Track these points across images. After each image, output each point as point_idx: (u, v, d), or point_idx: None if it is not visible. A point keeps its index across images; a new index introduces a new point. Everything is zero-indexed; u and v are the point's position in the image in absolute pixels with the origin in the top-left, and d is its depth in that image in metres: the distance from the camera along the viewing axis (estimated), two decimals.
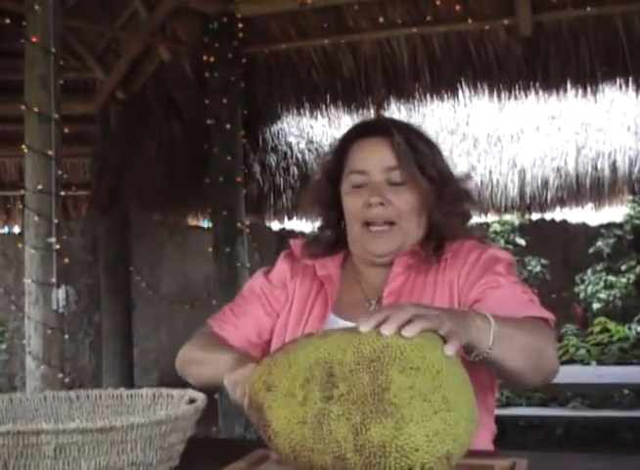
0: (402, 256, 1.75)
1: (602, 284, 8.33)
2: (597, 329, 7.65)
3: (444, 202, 1.76)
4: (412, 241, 1.76)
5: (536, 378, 1.53)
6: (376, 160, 1.75)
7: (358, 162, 1.77)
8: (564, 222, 9.48)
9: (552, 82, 6.47)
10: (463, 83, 6.67)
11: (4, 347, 8.70)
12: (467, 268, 1.71)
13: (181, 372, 1.89)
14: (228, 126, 6.49)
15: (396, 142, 1.73)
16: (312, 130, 8.41)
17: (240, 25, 6.66)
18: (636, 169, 7.54)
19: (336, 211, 1.84)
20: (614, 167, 7.66)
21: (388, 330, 1.15)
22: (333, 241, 1.87)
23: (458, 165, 7.59)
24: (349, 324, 1.57)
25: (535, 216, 8.92)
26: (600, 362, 7.21)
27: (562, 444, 6.23)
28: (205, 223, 9.23)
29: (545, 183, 7.86)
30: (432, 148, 1.80)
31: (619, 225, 8.65)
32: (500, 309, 1.50)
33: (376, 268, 1.80)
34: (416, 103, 6.91)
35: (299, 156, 8.16)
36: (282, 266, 1.92)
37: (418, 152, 1.75)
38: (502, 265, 1.70)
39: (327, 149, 1.94)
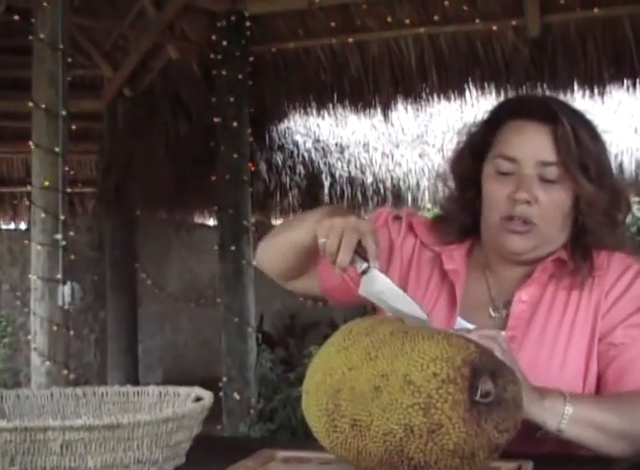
0: (546, 262, 1.54)
1: None
2: None
3: (598, 208, 1.52)
4: (551, 244, 1.54)
5: (626, 454, 1.40)
6: (532, 150, 1.50)
7: (511, 147, 1.52)
8: None
9: (559, 83, 6.45)
10: (470, 84, 6.65)
11: (6, 340, 8.71)
12: (616, 293, 1.50)
13: (260, 257, 1.72)
14: (235, 124, 6.49)
15: (561, 133, 1.47)
16: (319, 129, 8.41)
17: (248, 24, 6.65)
18: None
19: (473, 190, 1.60)
20: (620, 169, 7.62)
21: None
22: (468, 225, 1.63)
23: None
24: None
25: None
26: None
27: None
28: (212, 221, 9.25)
29: None
30: (597, 142, 1.53)
31: (626, 227, 8.64)
32: (628, 375, 1.45)
33: (509, 266, 1.59)
34: (423, 103, 6.90)
35: (306, 154, 8.16)
36: (407, 233, 1.68)
37: (582, 147, 1.48)
38: None
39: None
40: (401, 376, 1.11)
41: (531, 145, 1.50)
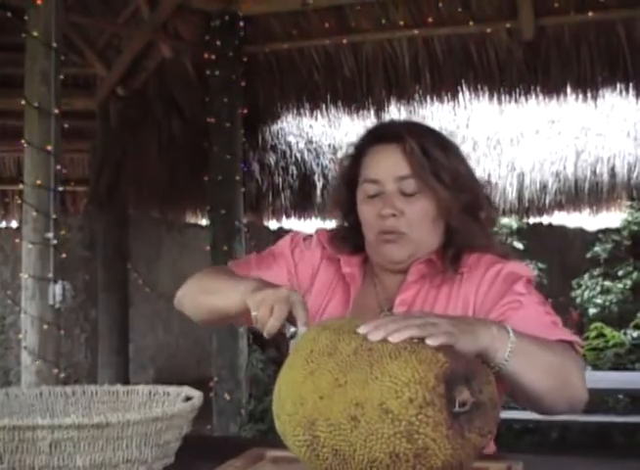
0: (417, 264, 1.69)
1: (598, 289, 8.34)
2: (593, 334, 7.65)
3: (462, 209, 1.68)
4: (427, 249, 1.69)
5: (558, 403, 1.45)
6: (388, 169, 1.68)
7: (371, 170, 1.70)
8: (561, 227, 9.49)
9: (552, 86, 6.47)
10: (464, 86, 6.67)
11: None
12: (485, 285, 1.63)
13: (180, 303, 1.84)
14: (228, 125, 6.49)
15: (409, 149, 1.65)
16: (312, 130, 8.42)
17: (241, 24, 6.65)
18: (635, 175, 7.56)
19: (355, 217, 1.76)
20: (612, 173, 7.67)
21: (374, 337, 1.16)
22: (355, 243, 1.79)
23: None
24: None
25: (533, 220, 8.93)
26: (595, 367, 7.20)
27: (557, 448, 6.23)
28: (204, 221, 9.23)
29: (544, 187, 7.87)
30: (448, 152, 1.70)
31: (617, 231, 8.67)
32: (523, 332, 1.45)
33: (392, 274, 1.74)
34: (416, 105, 6.91)
35: (299, 155, 8.17)
36: (316, 245, 1.84)
37: (432, 158, 1.66)
38: (522, 283, 1.61)
39: (340, 151, 1.84)
40: (377, 405, 1.08)
41: (387, 164, 1.68)
